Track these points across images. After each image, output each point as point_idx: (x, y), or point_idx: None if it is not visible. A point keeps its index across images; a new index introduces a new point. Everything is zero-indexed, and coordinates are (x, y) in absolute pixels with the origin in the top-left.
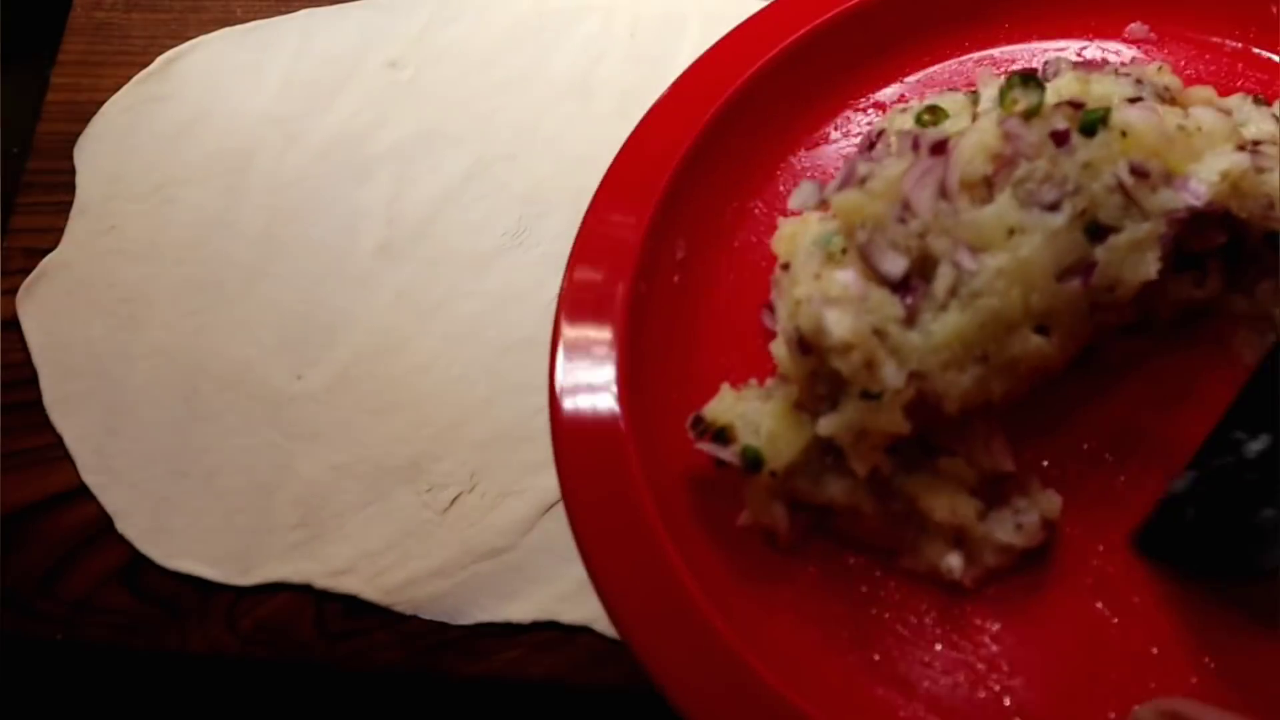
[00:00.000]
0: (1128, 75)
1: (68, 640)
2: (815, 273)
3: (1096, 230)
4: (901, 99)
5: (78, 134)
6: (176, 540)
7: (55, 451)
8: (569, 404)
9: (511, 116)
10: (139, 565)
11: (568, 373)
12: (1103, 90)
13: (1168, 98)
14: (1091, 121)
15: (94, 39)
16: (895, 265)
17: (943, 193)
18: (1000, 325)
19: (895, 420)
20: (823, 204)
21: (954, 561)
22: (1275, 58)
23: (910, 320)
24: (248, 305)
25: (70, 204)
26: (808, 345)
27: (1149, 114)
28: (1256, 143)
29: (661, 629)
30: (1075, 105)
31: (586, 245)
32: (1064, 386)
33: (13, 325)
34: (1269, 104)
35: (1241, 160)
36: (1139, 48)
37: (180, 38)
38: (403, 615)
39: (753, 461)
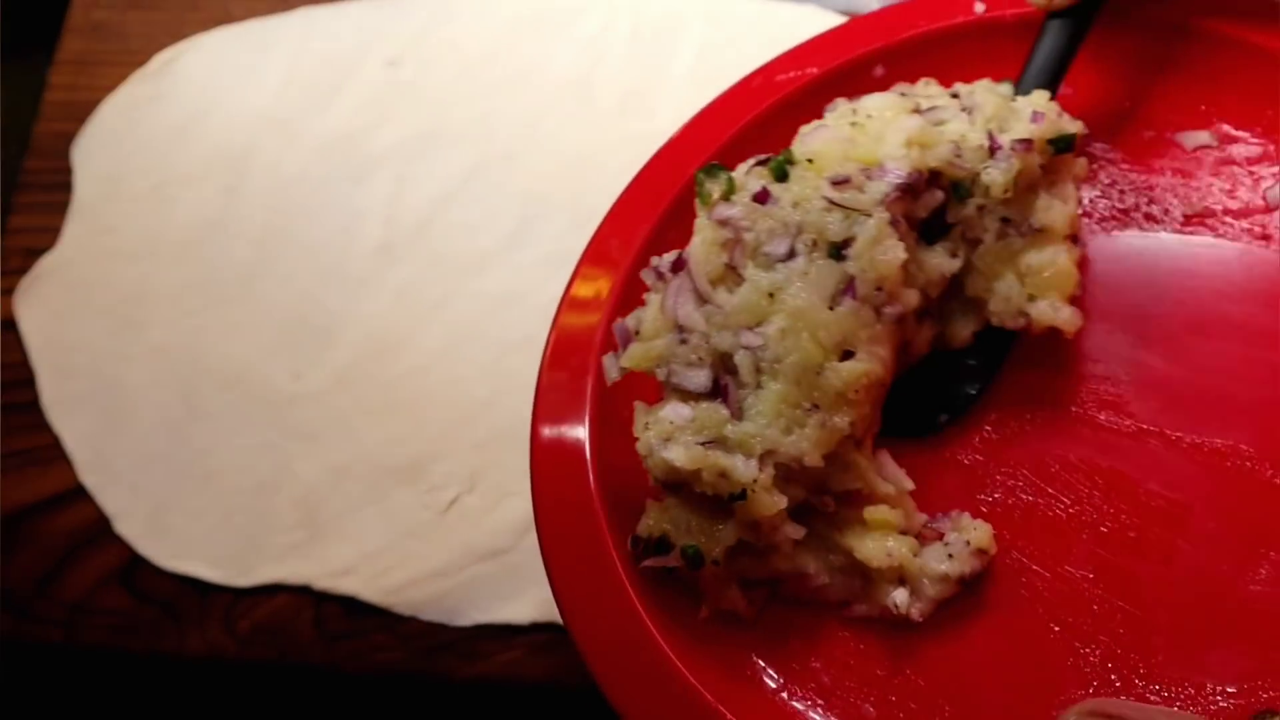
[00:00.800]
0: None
1: (66, 641)
2: (645, 421)
3: (837, 250)
4: None
5: (75, 133)
6: (175, 541)
7: (53, 452)
8: (546, 459)
9: (511, 116)
10: (137, 566)
11: (546, 419)
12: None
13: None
14: (779, 167)
15: (92, 38)
16: (700, 379)
17: (701, 299)
18: (809, 372)
19: (770, 502)
20: None
21: (899, 596)
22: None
23: (737, 414)
24: (246, 305)
25: (68, 204)
26: (669, 484)
27: (824, 131)
28: (932, 108)
29: (635, 684)
30: (761, 162)
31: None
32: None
33: (10, 325)
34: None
35: (914, 122)
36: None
37: (178, 37)
38: (402, 616)
39: (694, 558)
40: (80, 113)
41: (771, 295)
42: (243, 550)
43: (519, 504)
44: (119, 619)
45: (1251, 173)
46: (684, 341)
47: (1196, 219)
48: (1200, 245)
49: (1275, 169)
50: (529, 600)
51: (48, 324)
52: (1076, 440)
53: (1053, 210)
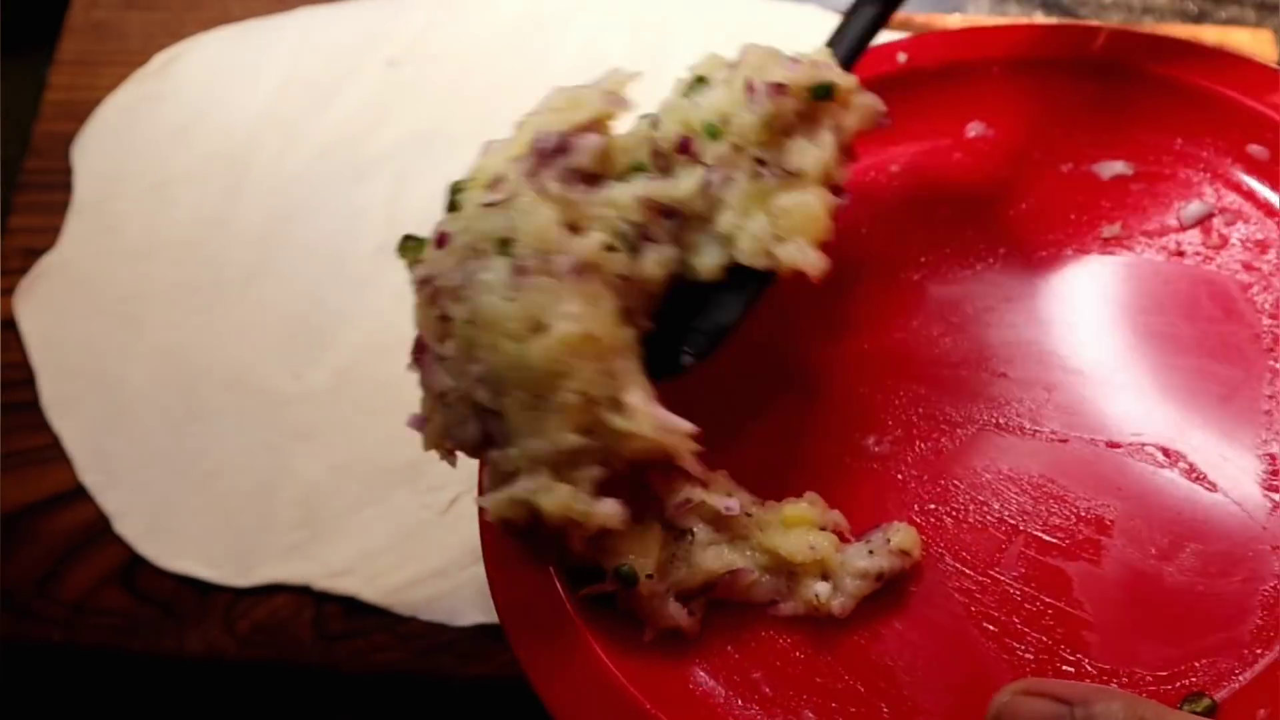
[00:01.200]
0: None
1: (65, 641)
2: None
3: (503, 245)
4: None
5: (75, 133)
6: (175, 541)
7: (53, 451)
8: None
9: (511, 116)
10: (137, 566)
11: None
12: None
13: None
14: (450, 202)
15: (91, 38)
16: (470, 432)
17: (440, 359)
18: (517, 368)
19: (600, 512)
20: None
21: (821, 589)
22: None
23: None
24: (246, 305)
25: (68, 203)
26: (523, 534)
27: (492, 144)
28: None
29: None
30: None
31: None
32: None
33: (10, 325)
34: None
35: (567, 93)
36: None
37: (178, 36)
38: (402, 616)
39: (628, 577)
40: (80, 112)
41: (471, 321)
42: (243, 550)
43: None
44: (119, 619)
45: (1165, 195)
46: (447, 406)
47: (1114, 240)
48: (1119, 263)
49: (1188, 192)
50: None
51: (48, 324)
52: (1006, 450)
53: (807, 154)
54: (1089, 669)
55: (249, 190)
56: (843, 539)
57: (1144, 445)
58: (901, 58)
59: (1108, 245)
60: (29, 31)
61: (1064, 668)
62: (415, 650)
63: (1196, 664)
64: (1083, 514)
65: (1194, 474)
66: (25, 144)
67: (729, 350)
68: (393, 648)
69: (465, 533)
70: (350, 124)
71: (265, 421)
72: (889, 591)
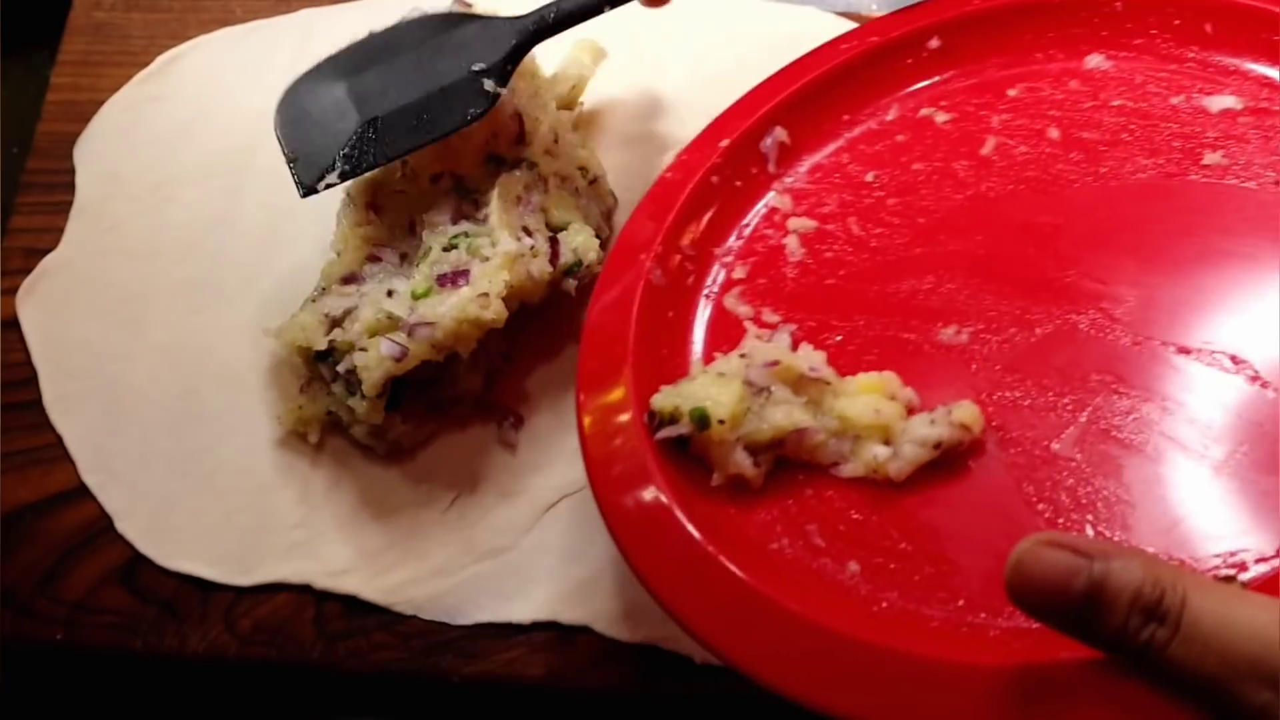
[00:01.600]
0: None
1: (66, 640)
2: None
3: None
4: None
5: (77, 134)
6: (176, 540)
7: (55, 451)
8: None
9: None
10: (138, 565)
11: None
12: None
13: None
14: None
15: (94, 39)
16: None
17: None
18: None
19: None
20: None
21: (880, 452)
22: None
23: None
24: (247, 305)
25: (70, 204)
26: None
27: None
28: None
29: (651, 544)
30: None
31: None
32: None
33: (12, 325)
34: None
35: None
36: None
37: (180, 37)
38: (402, 615)
39: (701, 419)
40: (82, 113)
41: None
42: (244, 549)
43: (519, 503)
44: (120, 618)
45: (1271, 130)
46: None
47: (1215, 168)
48: (1215, 188)
49: None
50: (529, 599)
51: (49, 324)
52: (1079, 348)
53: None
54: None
55: (250, 190)
56: (911, 413)
57: (1213, 352)
58: None
59: (1207, 171)
60: (31, 32)
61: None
62: (415, 649)
63: (1232, 554)
64: (1144, 411)
65: (1258, 379)
66: (27, 144)
67: (828, 248)
68: (393, 646)
69: (465, 532)
70: None
71: (265, 421)
72: (946, 463)
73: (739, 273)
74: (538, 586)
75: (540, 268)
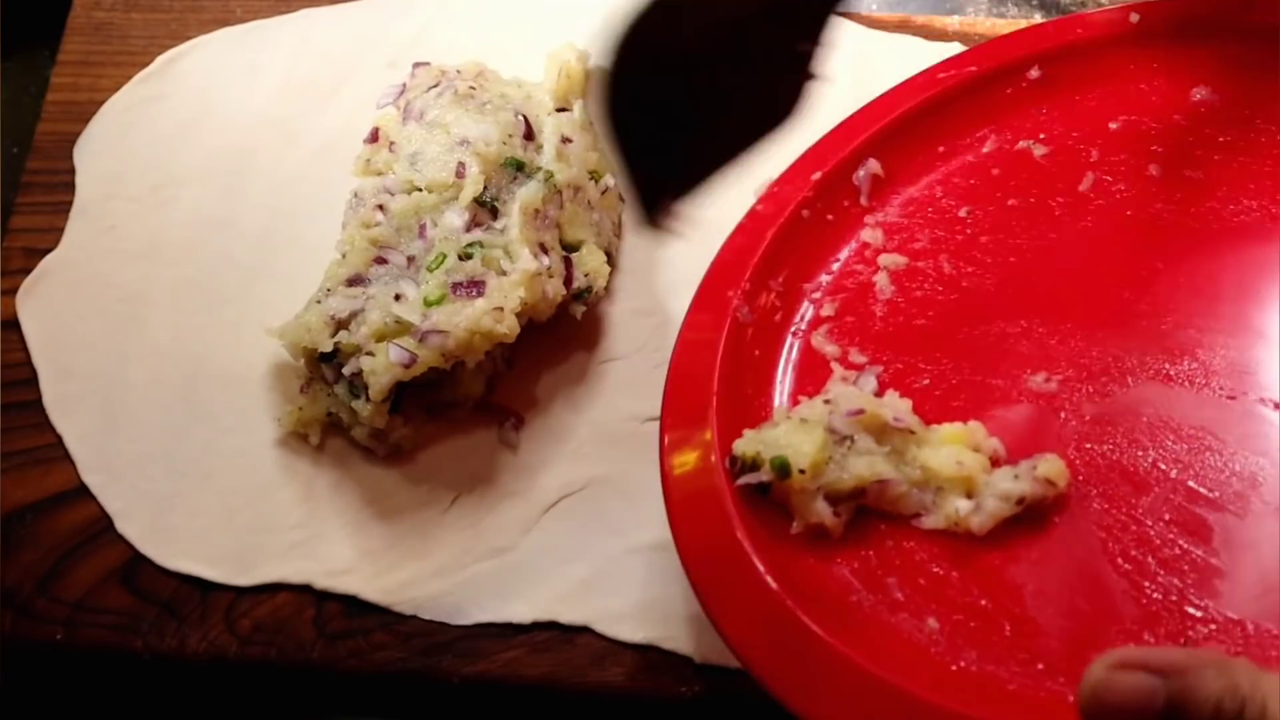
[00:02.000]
0: None
1: (66, 640)
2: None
3: None
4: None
5: (77, 134)
6: (176, 540)
7: (54, 451)
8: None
9: None
10: (138, 565)
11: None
12: None
13: None
14: None
15: (93, 39)
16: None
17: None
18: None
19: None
20: None
21: (962, 505)
22: None
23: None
24: (247, 305)
25: (70, 204)
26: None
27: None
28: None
29: (727, 593)
30: None
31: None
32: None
33: (12, 325)
34: None
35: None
36: None
37: (180, 38)
38: (402, 615)
39: (782, 468)
40: (82, 113)
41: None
42: (243, 549)
43: (519, 503)
44: (120, 618)
45: None
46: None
47: None
48: None
49: None
50: (529, 599)
51: (49, 324)
52: (1172, 400)
53: (603, 162)
54: (1215, 616)
55: (250, 190)
56: (995, 464)
57: None
58: (1134, 18)
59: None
60: (31, 32)
61: (1190, 610)
62: (415, 649)
63: None
64: (1236, 470)
65: None
66: (27, 144)
67: (918, 286)
68: (393, 646)
69: (465, 532)
70: (350, 124)
71: (265, 421)
72: (1030, 518)
73: (827, 310)
74: (538, 586)
75: (555, 288)
